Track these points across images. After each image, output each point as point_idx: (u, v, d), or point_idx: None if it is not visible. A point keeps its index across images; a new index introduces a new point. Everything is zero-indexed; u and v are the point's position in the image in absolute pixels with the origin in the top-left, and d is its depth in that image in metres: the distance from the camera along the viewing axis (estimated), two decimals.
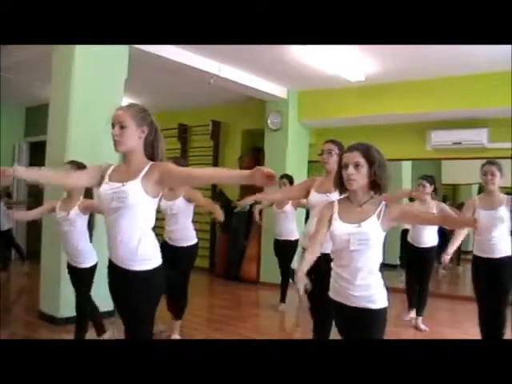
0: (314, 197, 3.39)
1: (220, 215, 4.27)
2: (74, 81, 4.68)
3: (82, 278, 3.66)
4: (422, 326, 5.08)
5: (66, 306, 4.51)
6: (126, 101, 6.95)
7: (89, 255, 3.62)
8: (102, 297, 4.01)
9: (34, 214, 3.96)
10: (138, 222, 2.32)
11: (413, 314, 5.33)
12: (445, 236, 5.54)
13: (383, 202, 2.38)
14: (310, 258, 2.33)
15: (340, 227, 2.35)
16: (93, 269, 3.64)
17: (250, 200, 3.82)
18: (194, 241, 4.41)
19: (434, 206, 4.93)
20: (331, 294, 2.47)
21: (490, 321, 3.96)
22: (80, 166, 3.43)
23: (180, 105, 8.59)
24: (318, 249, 2.38)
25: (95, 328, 3.99)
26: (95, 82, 4.81)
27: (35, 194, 6.96)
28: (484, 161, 3.92)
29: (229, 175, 2.31)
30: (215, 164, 8.65)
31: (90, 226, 3.65)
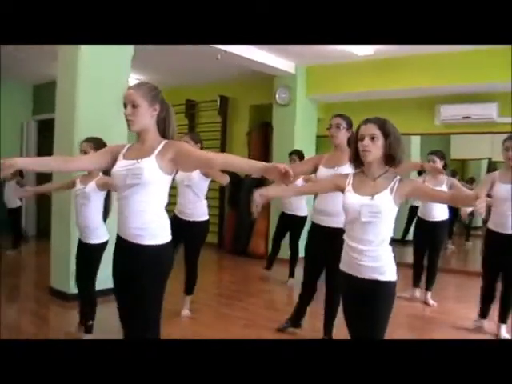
0: (323, 172, 3.41)
1: (225, 180, 4.27)
2: (80, 58, 4.68)
3: (90, 254, 3.66)
4: (431, 302, 5.10)
5: None
6: (133, 77, 6.95)
7: (100, 232, 3.63)
8: (105, 276, 4.03)
9: (51, 186, 4.02)
10: (151, 199, 2.33)
11: (418, 292, 5.33)
12: (455, 211, 5.52)
13: (397, 177, 2.40)
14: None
15: (352, 198, 2.39)
16: (103, 246, 3.65)
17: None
18: (206, 217, 4.38)
19: (444, 181, 4.87)
20: (342, 266, 2.51)
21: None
22: (98, 142, 3.42)
23: (187, 81, 8.54)
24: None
25: (83, 312, 3.87)
26: (102, 59, 4.80)
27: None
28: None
29: (244, 164, 2.28)
30: (223, 139, 8.63)
31: (107, 205, 3.66)
